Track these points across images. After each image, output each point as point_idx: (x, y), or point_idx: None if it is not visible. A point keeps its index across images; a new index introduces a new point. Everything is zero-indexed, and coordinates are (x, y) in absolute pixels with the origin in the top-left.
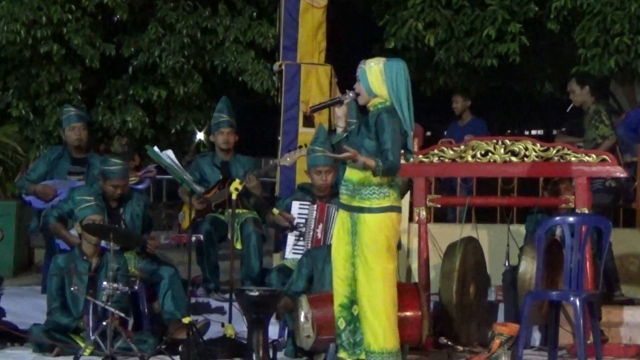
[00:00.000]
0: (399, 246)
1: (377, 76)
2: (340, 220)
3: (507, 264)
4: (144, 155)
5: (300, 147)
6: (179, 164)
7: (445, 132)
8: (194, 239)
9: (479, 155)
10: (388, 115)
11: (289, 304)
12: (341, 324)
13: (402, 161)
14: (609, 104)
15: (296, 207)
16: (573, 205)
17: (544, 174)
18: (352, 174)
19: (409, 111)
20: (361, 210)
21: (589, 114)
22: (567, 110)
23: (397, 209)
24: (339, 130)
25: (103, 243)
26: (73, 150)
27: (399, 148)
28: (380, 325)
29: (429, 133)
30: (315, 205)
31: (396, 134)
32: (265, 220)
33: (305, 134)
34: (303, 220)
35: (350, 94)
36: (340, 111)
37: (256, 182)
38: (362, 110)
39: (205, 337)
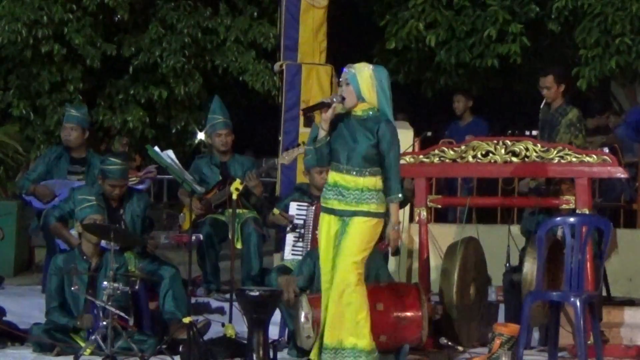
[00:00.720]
0: (398, 252)
1: (367, 81)
2: (327, 225)
3: (508, 265)
4: (144, 155)
5: (299, 144)
6: (179, 164)
7: (446, 132)
8: (193, 238)
9: (479, 156)
10: (391, 129)
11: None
12: None
13: None
14: (612, 104)
15: (294, 208)
16: (574, 206)
17: (545, 175)
18: (344, 180)
19: (392, 117)
20: (358, 214)
21: (569, 118)
22: (542, 106)
23: (385, 216)
24: (322, 133)
25: (103, 243)
26: (70, 150)
27: (399, 157)
28: (350, 323)
29: (429, 133)
30: (313, 207)
31: (398, 144)
32: (266, 220)
33: (307, 134)
34: (301, 221)
35: (338, 98)
36: (326, 115)
37: (256, 180)
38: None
39: (206, 337)
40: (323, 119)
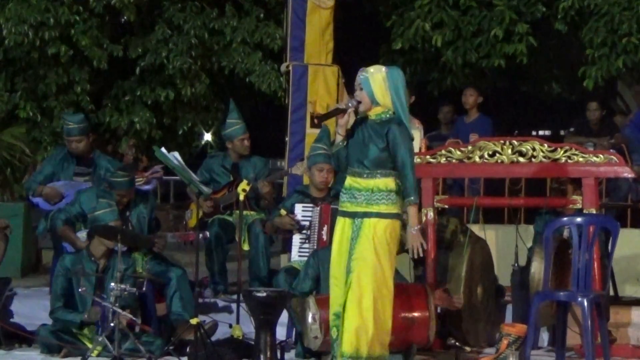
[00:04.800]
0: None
1: (380, 84)
2: (341, 228)
3: (515, 265)
4: (151, 156)
5: None
6: (185, 166)
7: (452, 131)
8: (200, 235)
9: (486, 156)
10: (400, 130)
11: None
12: (334, 333)
13: None
14: (616, 104)
15: (300, 210)
16: (581, 206)
17: (552, 175)
18: (356, 182)
19: (408, 117)
20: (368, 215)
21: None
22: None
23: (401, 217)
24: (339, 138)
25: None
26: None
27: (414, 162)
28: (370, 330)
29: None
30: (318, 208)
31: (411, 149)
32: (265, 227)
33: (313, 135)
34: (307, 223)
35: (353, 102)
36: (342, 120)
37: (269, 187)
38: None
39: (213, 338)
40: (339, 125)
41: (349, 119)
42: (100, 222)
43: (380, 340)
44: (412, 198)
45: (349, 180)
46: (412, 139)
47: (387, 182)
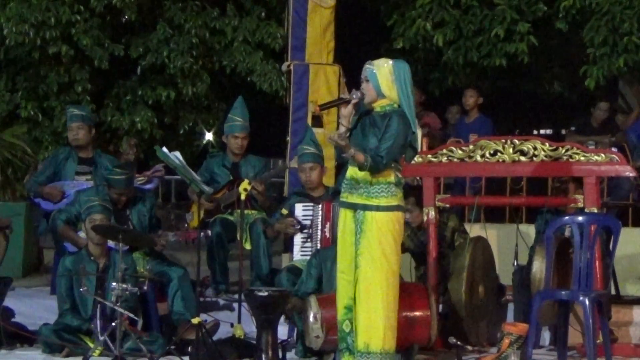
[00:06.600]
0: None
1: (386, 77)
2: (343, 220)
3: (516, 264)
4: (152, 156)
5: None
6: (187, 165)
7: (452, 130)
8: (202, 234)
9: (487, 155)
10: (400, 120)
11: (297, 306)
12: (346, 327)
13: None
14: (618, 103)
15: (300, 209)
16: (582, 205)
17: (553, 174)
18: (356, 172)
19: (413, 111)
20: (368, 208)
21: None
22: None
23: (403, 209)
24: (342, 129)
25: (111, 243)
26: (78, 150)
27: (395, 153)
28: (380, 325)
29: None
30: (320, 205)
31: (400, 139)
32: (267, 234)
33: (315, 134)
34: (308, 222)
35: (358, 94)
36: (345, 111)
37: (262, 187)
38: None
39: (215, 338)
40: (342, 115)
41: (352, 110)
42: (83, 218)
43: (392, 334)
44: (368, 157)
45: (350, 171)
46: (414, 133)
47: (387, 174)
